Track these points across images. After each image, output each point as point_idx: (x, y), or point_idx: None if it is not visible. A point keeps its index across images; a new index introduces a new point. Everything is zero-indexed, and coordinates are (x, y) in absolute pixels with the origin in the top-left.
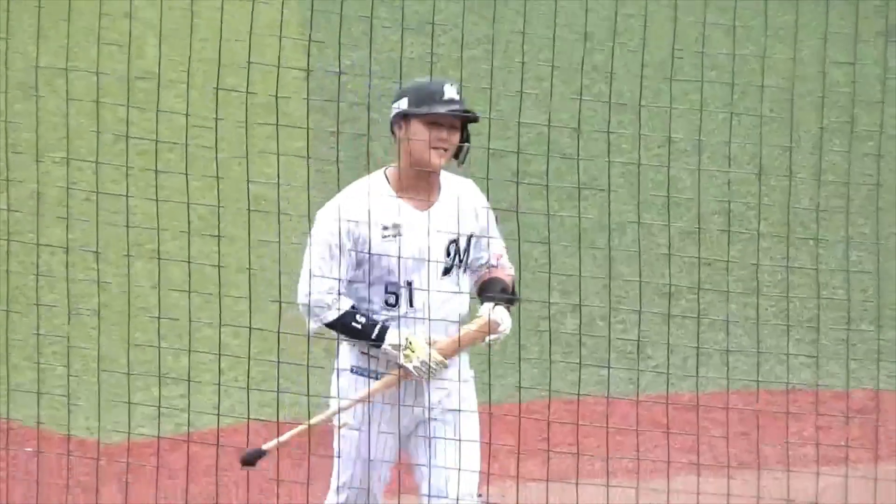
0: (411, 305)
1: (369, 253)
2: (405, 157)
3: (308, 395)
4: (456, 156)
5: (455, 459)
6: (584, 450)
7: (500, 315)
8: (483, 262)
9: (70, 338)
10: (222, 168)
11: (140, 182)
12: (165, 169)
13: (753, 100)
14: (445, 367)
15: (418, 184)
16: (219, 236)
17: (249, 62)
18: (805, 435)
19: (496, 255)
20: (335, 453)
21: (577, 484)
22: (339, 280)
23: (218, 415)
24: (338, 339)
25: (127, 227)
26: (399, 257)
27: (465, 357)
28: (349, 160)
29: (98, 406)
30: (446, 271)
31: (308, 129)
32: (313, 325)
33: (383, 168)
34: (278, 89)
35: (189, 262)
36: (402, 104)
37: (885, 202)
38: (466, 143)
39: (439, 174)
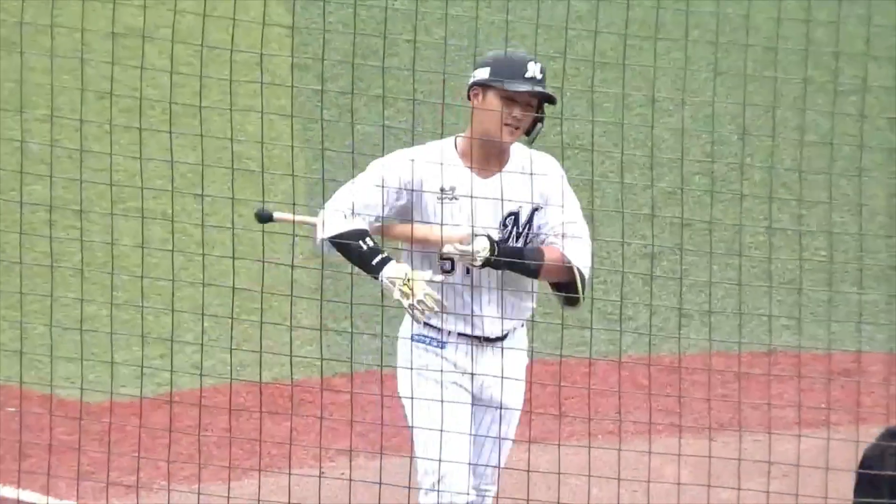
0: (468, 273)
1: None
2: (477, 125)
3: (290, 356)
4: (528, 132)
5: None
6: (566, 411)
7: (479, 244)
8: (543, 234)
9: (52, 297)
10: (205, 126)
11: (122, 140)
12: (149, 127)
13: (736, 59)
14: (441, 307)
15: (486, 153)
16: (202, 195)
17: (234, 18)
18: (786, 397)
19: (559, 232)
20: (414, 444)
21: (559, 445)
22: (364, 217)
23: (200, 375)
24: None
25: (110, 185)
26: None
27: (521, 328)
28: (333, 119)
29: (81, 365)
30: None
31: (293, 87)
32: (318, 236)
33: (455, 135)
34: (263, 47)
35: (173, 222)
36: (483, 73)
37: (869, 162)
38: (540, 123)
39: (510, 146)
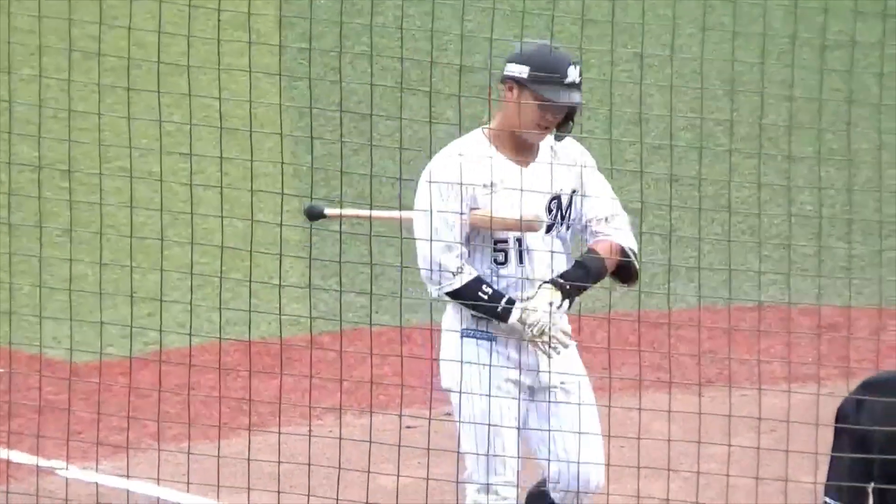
0: (521, 263)
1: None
2: (507, 118)
3: (280, 314)
4: (557, 128)
5: (580, 432)
6: None
7: (540, 299)
8: (586, 220)
9: (40, 257)
10: (191, 86)
11: (108, 99)
12: (134, 86)
13: (722, 14)
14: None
15: (518, 142)
16: (190, 154)
17: None
18: (773, 352)
19: (602, 216)
20: (459, 440)
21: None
22: (461, 244)
23: (190, 334)
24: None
25: (99, 145)
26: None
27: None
28: (319, 78)
29: (70, 326)
30: (548, 229)
31: (280, 46)
32: (433, 293)
33: (479, 127)
34: (249, 5)
35: (161, 181)
36: (520, 70)
37: (856, 116)
38: (571, 123)
39: None
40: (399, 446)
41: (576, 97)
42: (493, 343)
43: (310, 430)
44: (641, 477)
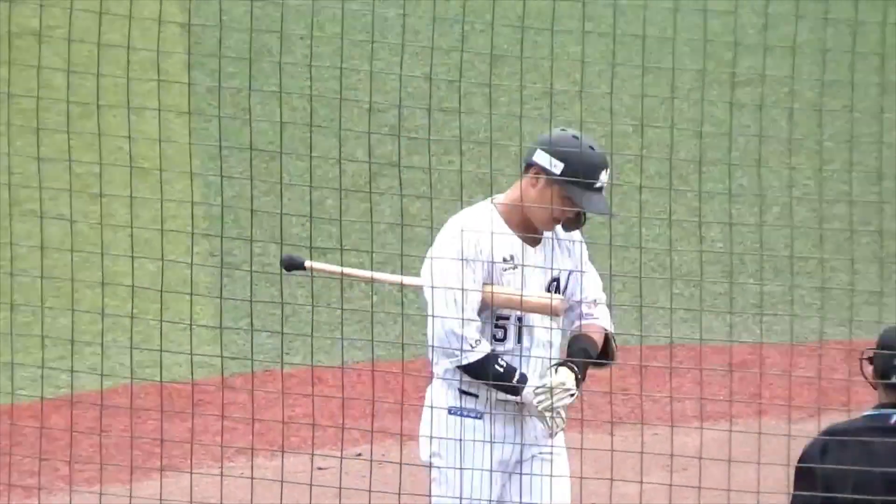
0: (519, 342)
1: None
2: (525, 198)
3: (191, 355)
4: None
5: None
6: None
7: (561, 377)
8: (576, 300)
9: None
10: (101, 127)
11: (18, 141)
12: (44, 126)
13: (632, 51)
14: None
15: (528, 223)
16: (100, 195)
17: (131, 17)
18: (685, 390)
19: (592, 298)
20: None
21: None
22: (475, 320)
23: (101, 376)
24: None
25: (9, 186)
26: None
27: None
28: (227, 118)
29: None
30: None
31: (189, 85)
32: (447, 365)
33: (490, 199)
34: (158, 45)
35: (71, 223)
36: (555, 167)
37: (766, 153)
38: (584, 220)
39: None
40: (310, 486)
41: (602, 204)
42: (481, 421)
43: (221, 472)
44: None
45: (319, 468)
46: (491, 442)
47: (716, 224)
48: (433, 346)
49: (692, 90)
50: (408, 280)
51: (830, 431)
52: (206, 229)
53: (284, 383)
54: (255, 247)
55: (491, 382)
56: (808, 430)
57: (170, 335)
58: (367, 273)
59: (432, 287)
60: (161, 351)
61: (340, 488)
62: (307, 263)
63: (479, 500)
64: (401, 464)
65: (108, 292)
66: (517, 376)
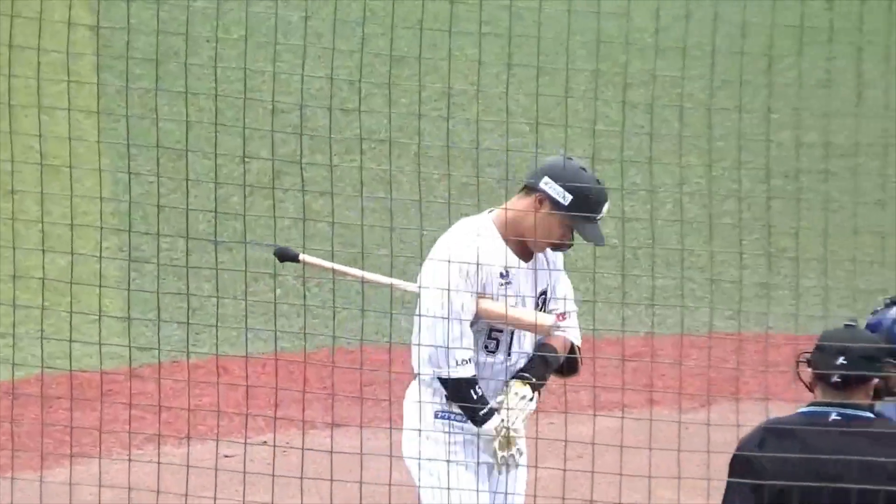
0: (508, 354)
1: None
2: (524, 220)
3: (100, 345)
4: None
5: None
6: (371, 396)
7: (514, 391)
8: (552, 313)
9: None
10: (13, 127)
11: None
12: None
13: (527, 52)
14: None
15: (523, 242)
16: (13, 191)
17: (41, 19)
18: (579, 381)
19: (563, 311)
20: None
21: (361, 426)
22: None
23: (13, 365)
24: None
25: None
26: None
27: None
28: (135, 118)
29: None
30: None
31: (98, 85)
32: (428, 371)
33: (488, 212)
34: (68, 47)
35: None
36: (563, 197)
37: (658, 151)
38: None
39: None
40: (216, 470)
41: (597, 233)
42: (468, 424)
43: (129, 459)
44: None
45: (225, 455)
46: (479, 439)
47: (610, 219)
48: (419, 348)
49: (586, 91)
50: (399, 283)
51: (768, 425)
52: (115, 225)
53: (191, 373)
54: (162, 242)
55: (459, 403)
56: (700, 419)
57: (80, 327)
58: (357, 272)
59: (432, 293)
60: (71, 342)
61: (245, 474)
62: (301, 256)
63: (470, 491)
64: (303, 450)
65: (20, 285)
66: (485, 410)
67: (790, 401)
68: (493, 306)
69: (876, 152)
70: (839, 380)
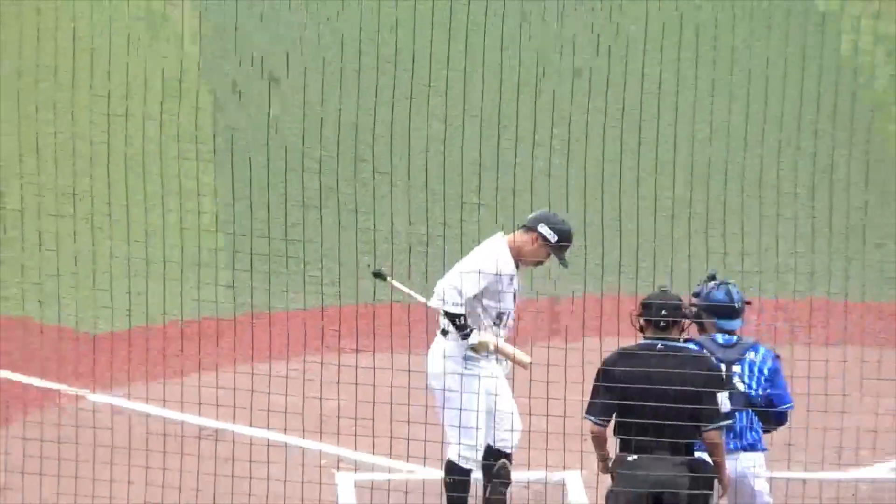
0: (505, 326)
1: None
2: (524, 246)
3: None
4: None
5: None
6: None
7: (487, 337)
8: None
9: None
10: None
11: None
12: None
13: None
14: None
15: (520, 258)
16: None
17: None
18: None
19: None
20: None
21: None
22: (464, 304)
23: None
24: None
25: None
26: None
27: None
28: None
29: None
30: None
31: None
32: (437, 304)
33: (501, 235)
34: None
35: None
36: (552, 237)
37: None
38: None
39: None
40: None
41: (566, 260)
42: (475, 362)
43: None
44: None
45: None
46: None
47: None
48: (443, 292)
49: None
50: (433, 303)
51: (620, 350)
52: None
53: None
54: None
55: (453, 324)
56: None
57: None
58: (421, 298)
59: (461, 273)
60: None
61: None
62: (389, 279)
63: (476, 411)
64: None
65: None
66: (468, 330)
67: (631, 335)
68: (491, 339)
69: None
70: (664, 323)
